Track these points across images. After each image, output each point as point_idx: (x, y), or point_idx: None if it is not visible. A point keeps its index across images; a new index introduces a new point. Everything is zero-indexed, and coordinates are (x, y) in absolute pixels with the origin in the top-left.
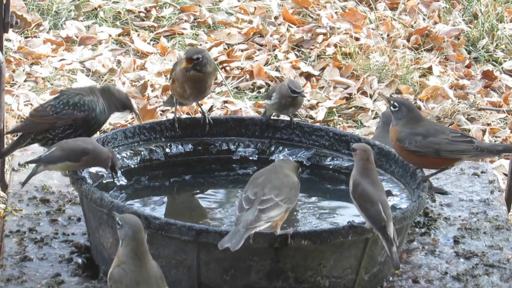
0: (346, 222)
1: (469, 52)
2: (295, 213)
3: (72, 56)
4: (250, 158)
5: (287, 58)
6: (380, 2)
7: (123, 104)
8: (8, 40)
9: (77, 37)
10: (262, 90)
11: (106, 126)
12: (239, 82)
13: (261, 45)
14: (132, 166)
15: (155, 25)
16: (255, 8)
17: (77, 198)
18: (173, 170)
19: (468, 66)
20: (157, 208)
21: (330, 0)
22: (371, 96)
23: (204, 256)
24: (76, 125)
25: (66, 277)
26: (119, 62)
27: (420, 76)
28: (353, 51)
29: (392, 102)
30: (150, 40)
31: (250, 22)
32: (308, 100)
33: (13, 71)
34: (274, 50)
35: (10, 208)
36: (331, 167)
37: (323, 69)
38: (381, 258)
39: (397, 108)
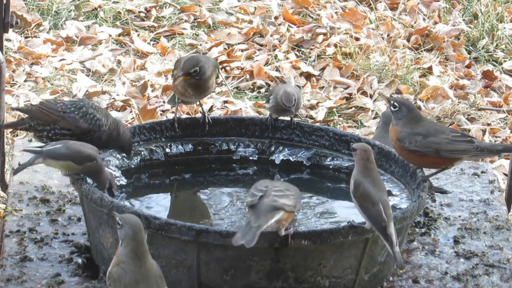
0: (346, 222)
1: (469, 52)
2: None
3: (72, 56)
4: (250, 158)
5: (287, 58)
6: (380, 2)
7: (122, 147)
8: (8, 40)
9: (77, 37)
10: (262, 90)
11: None
12: (239, 82)
13: (261, 45)
14: (132, 166)
15: (155, 25)
16: (255, 8)
17: (77, 198)
18: (173, 170)
19: (468, 66)
20: (157, 208)
21: (330, 0)
22: (371, 96)
23: (204, 256)
24: (74, 132)
25: (66, 277)
26: (119, 62)
27: (420, 76)
28: (353, 51)
29: (392, 102)
30: (150, 40)
31: (250, 22)
32: (308, 100)
33: (13, 71)
34: (274, 50)
35: (10, 208)
36: (331, 167)
37: (323, 69)
38: (381, 258)
39: (397, 108)
